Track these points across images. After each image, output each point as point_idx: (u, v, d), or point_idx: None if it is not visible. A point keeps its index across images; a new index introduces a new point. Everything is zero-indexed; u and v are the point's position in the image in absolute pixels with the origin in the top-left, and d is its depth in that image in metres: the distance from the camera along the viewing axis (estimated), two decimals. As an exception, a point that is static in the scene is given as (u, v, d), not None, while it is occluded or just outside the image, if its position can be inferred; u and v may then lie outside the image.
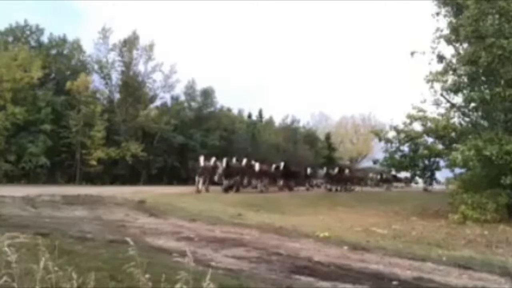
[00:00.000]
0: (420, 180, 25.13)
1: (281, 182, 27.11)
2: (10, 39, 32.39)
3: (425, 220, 13.07)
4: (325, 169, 31.49)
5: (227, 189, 21.62)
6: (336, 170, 32.03)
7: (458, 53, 15.23)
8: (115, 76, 35.80)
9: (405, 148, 16.31)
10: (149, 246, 7.06)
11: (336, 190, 29.77)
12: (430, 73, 15.01)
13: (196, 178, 21.31)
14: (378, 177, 40.20)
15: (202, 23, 74.67)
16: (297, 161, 35.42)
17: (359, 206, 17.90)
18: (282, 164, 26.68)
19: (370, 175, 42.11)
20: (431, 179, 17.43)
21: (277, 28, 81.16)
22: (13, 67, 28.25)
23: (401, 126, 15.96)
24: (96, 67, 35.31)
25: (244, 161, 24.61)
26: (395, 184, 43.15)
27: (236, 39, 76.30)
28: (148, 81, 36.98)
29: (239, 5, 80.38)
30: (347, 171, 33.62)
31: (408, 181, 41.62)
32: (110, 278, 4.25)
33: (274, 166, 26.12)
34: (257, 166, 24.09)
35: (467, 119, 15.80)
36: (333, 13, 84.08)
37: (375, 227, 10.98)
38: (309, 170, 30.31)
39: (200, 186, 21.10)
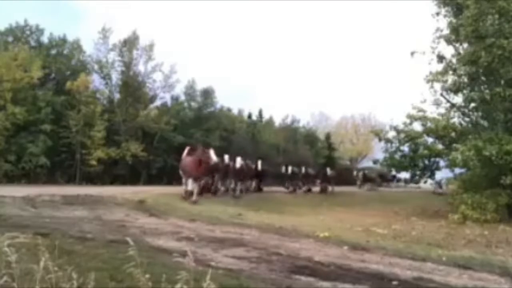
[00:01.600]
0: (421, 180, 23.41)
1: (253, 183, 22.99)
2: (10, 39, 32.29)
3: (425, 220, 13.08)
4: (303, 168, 27.06)
5: (191, 194, 15.53)
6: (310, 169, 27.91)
7: (458, 53, 15.25)
8: (115, 76, 35.73)
9: (405, 148, 16.33)
10: (149, 246, 7.06)
11: (296, 189, 25.66)
12: (430, 73, 15.05)
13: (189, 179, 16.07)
14: (361, 174, 36.11)
15: (202, 23, 74.68)
16: (298, 161, 34.87)
17: (359, 206, 17.92)
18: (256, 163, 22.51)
19: (354, 173, 38.24)
20: (431, 178, 17.28)
21: (277, 28, 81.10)
22: (13, 67, 28.17)
23: (401, 126, 15.99)
24: (96, 67, 35.24)
25: (227, 157, 19.40)
26: (393, 184, 42.64)
27: (236, 39, 76.29)
28: (148, 81, 36.89)
29: (239, 5, 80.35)
30: (327, 169, 28.89)
31: (406, 181, 40.62)
32: (110, 278, 4.25)
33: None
34: (238, 162, 19.15)
35: (467, 119, 15.83)
36: (333, 13, 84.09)
37: (375, 227, 10.99)
38: (289, 169, 25.14)
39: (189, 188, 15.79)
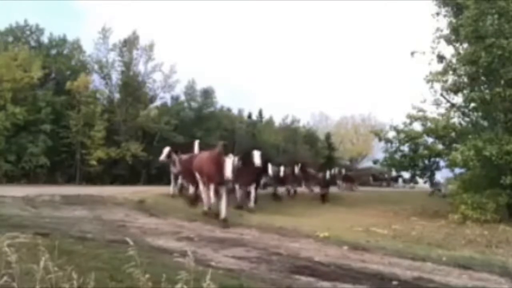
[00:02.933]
0: (420, 180, 22.26)
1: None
2: (10, 39, 32.33)
3: (425, 220, 13.07)
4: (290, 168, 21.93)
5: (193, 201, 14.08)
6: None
7: (458, 53, 15.24)
8: (115, 76, 35.75)
9: (405, 148, 16.31)
10: (149, 246, 7.07)
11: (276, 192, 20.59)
12: (430, 73, 15.04)
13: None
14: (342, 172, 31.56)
15: (202, 23, 74.64)
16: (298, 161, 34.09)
17: (359, 206, 17.91)
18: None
19: (332, 171, 30.92)
20: (431, 178, 17.16)
21: (277, 28, 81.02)
22: (13, 67, 28.19)
23: (401, 126, 15.97)
24: (96, 67, 35.27)
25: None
26: (395, 184, 42.43)
27: (236, 39, 76.17)
28: (148, 81, 36.96)
29: (239, 5, 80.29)
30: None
31: (404, 180, 40.09)
32: (110, 278, 4.25)
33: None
34: (257, 158, 14.43)
35: (467, 119, 15.81)
36: (333, 13, 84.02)
37: (375, 227, 10.99)
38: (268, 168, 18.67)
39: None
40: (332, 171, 30.86)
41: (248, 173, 14.65)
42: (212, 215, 11.66)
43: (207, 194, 12.26)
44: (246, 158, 14.55)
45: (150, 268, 3.66)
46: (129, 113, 34.68)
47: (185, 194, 16.18)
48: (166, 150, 17.49)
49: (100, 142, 31.39)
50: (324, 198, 20.99)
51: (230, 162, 11.09)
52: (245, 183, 14.96)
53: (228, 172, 10.98)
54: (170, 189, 17.31)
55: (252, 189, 15.18)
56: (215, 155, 11.89)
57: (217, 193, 11.53)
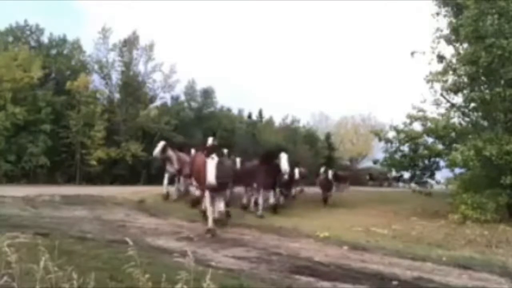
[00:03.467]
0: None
1: None
2: (10, 39, 32.38)
3: (425, 220, 13.06)
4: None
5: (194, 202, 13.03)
6: None
7: (458, 53, 15.23)
8: (115, 76, 35.76)
9: (405, 148, 16.29)
10: (149, 246, 7.08)
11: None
12: (430, 73, 15.03)
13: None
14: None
15: (202, 23, 74.59)
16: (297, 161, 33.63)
17: (359, 206, 17.91)
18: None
19: (322, 170, 27.43)
20: (431, 178, 17.08)
21: (277, 28, 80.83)
22: (13, 67, 28.22)
23: (401, 126, 15.95)
24: (96, 67, 35.29)
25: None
26: (397, 184, 42.35)
27: (236, 39, 76.05)
28: (148, 81, 36.99)
29: (239, 5, 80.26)
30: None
31: (404, 181, 39.62)
32: (110, 278, 4.25)
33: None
34: (284, 160, 13.10)
35: (467, 119, 15.80)
36: (333, 12, 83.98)
37: (375, 227, 10.99)
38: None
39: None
40: (322, 170, 28.80)
41: (267, 176, 13.34)
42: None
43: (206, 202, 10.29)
44: (268, 160, 13.68)
45: (150, 268, 3.67)
46: (129, 113, 34.69)
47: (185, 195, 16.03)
48: (161, 144, 15.77)
49: (100, 142, 31.40)
50: (326, 200, 20.02)
51: (212, 165, 9.22)
52: (263, 186, 13.45)
53: (211, 177, 9.15)
54: (170, 190, 15.79)
55: (261, 195, 13.46)
56: (202, 156, 10.39)
57: (212, 199, 9.88)
